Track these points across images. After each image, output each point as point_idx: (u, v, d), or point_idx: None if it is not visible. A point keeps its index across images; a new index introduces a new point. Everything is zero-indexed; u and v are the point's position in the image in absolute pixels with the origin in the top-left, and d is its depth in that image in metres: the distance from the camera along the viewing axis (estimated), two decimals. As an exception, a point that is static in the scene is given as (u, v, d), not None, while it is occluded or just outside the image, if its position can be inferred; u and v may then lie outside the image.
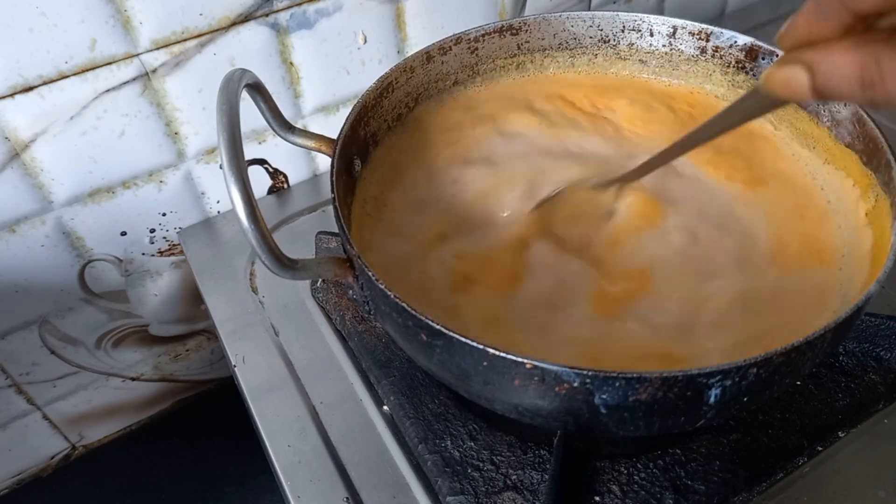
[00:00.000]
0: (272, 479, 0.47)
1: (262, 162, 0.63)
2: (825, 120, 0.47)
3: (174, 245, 0.63)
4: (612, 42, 0.54)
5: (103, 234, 0.59)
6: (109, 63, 0.51)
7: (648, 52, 0.54)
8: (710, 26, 0.51)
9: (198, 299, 0.65)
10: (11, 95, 0.49)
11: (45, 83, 0.49)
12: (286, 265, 0.33)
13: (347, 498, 0.44)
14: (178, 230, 0.62)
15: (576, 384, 0.31)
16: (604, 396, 0.32)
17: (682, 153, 0.40)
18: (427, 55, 0.50)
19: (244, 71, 0.37)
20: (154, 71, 0.53)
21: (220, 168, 0.58)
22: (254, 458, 0.51)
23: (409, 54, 0.52)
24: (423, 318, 0.33)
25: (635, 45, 0.54)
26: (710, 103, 0.53)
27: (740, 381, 0.31)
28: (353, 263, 0.37)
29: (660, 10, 0.80)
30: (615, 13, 0.53)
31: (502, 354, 0.31)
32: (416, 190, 0.48)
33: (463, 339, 0.32)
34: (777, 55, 0.49)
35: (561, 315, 0.40)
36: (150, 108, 0.54)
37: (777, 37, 0.29)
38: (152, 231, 0.61)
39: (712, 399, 0.32)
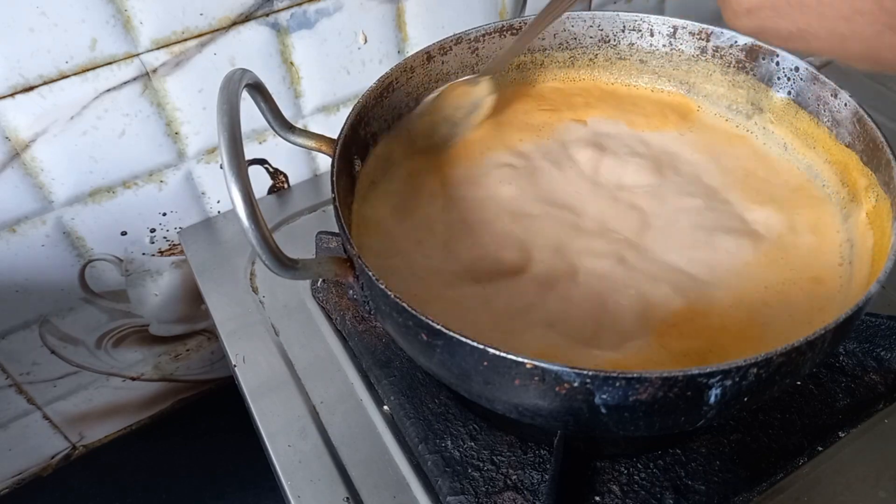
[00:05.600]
0: (272, 479, 0.47)
1: (262, 162, 0.63)
2: (825, 120, 0.47)
3: (174, 245, 0.63)
4: (612, 42, 0.54)
5: (103, 233, 0.59)
6: (110, 63, 0.51)
7: (649, 52, 0.54)
8: (710, 26, 0.51)
9: (198, 299, 0.65)
10: (12, 95, 0.49)
11: (45, 83, 0.49)
12: (286, 265, 0.34)
13: (347, 498, 0.44)
14: (178, 230, 0.63)
15: (576, 384, 0.31)
16: (604, 396, 0.32)
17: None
18: (427, 55, 0.50)
19: (244, 71, 0.37)
20: (154, 71, 0.53)
21: (221, 168, 0.58)
22: (254, 458, 0.51)
23: (409, 54, 0.52)
24: (424, 318, 0.33)
25: (636, 45, 0.54)
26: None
27: (740, 381, 0.31)
28: (353, 263, 0.37)
29: (660, 10, 0.80)
30: (615, 13, 0.53)
31: (502, 354, 0.31)
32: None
33: (463, 339, 0.32)
34: (777, 55, 0.49)
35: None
36: (150, 108, 0.54)
37: None
38: (152, 231, 0.61)
39: (712, 399, 0.32)
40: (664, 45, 0.53)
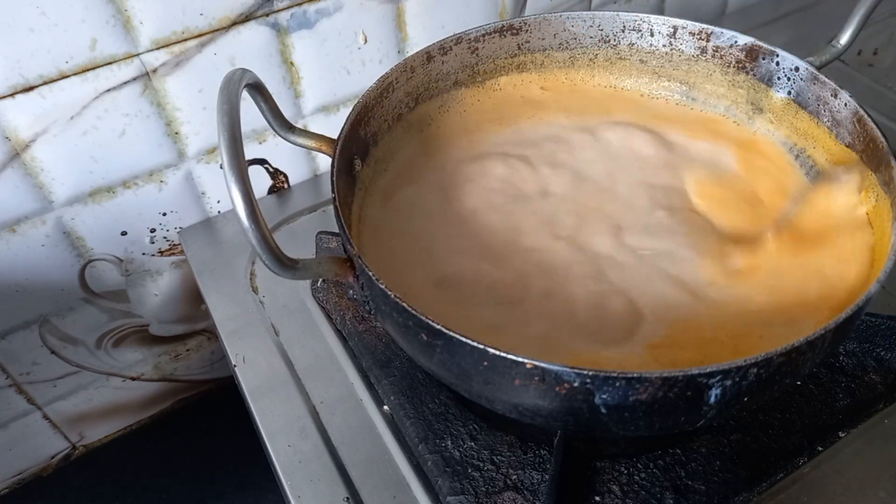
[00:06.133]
0: (272, 479, 0.47)
1: (262, 162, 0.63)
2: (825, 120, 0.47)
3: (174, 245, 0.63)
4: (612, 42, 0.54)
5: (104, 233, 0.59)
6: (110, 63, 0.51)
7: (649, 52, 0.54)
8: (710, 26, 0.51)
9: (198, 299, 0.65)
10: (12, 95, 0.49)
11: (45, 83, 0.49)
12: (286, 265, 0.33)
13: (347, 498, 0.44)
14: (178, 230, 0.63)
15: (576, 384, 0.31)
16: (604, 396, 0.32)
17: None
18: (427, 55, 0.50)
19: (245, 71, 0.37)
20: (154, 71, 0.53)
21: (221, 168, 0.58)
22: (254, 458, 0.51)
23: (409, 54, 0.52)
24: (424, 318, 0.33)
25: (636, 45, 0.54)
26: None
27: (740, 381, 0.31)
28: (353, 263, 0.37)
29: (660, 10, 0.80)
30: (615, 13, 0.53)
31: (502, 354, 0.31)
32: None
33: (463, 339, 0.32)
34: (778, 55, 0.49)
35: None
36: (150, 108, 0.54)
37: None
38: (153, 231, 0.61)
39: (712, 399, 0.32)
40: (664, 45, 0.53)
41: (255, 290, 0.57)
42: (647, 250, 0.44)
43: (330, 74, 0.61)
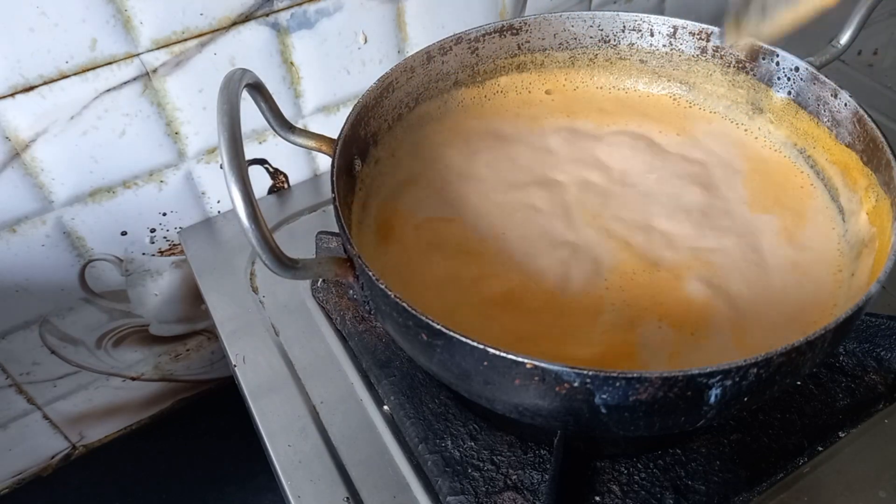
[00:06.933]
0: (272, 479, 0.47)
1: (262, 162, 0.63)
2: (825, 120, 0.47)
3: (174, 245, 0.63)
4: (612, 42, 0.54)
5: (104, 233, 0.59)
6: (110, 63, 0.51)
7: (649, 52, 0.54)
8: (710, 26, 0.51)
9: (198, 299, 0.65)
10: (12, 95, 0.49)
11: (45, 83, 0.49)
12: (287, 265, 0.34)
13: (347, 498, 0.44)
14: (178, 230, 0.63)
15: (576, 384, 0.31)
16: (604, 396, 0.32)
17: None
18: (427, 55, 0.50)
19: (245, 71, 0.37)
20: (155, 71, 0.53)
21: (221, 168, 0.58)
22: (254, 458, 0.51)
23: (409, 54, 0.52)
24: (424, 318, 0.33)
25: (636, 45, 0.54)
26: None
27: (741, 381, 0.32)
28: (353, 263, 0.37)
29: (660, 10, 0.80)
30: (615, 13, 0.53)
31: (502, 354, 0.31)
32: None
33: (463, 339, 0.32)
34: (778, 55, 0.49)
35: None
36: (150, 108, 0.54)
37: None
38: (153, 231, 0.61)
39: (712, 399, 0.32)
40: (664, 45, 0.53)
41: (255, 290, 0.57)
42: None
43: (330, 74, 0.61)
